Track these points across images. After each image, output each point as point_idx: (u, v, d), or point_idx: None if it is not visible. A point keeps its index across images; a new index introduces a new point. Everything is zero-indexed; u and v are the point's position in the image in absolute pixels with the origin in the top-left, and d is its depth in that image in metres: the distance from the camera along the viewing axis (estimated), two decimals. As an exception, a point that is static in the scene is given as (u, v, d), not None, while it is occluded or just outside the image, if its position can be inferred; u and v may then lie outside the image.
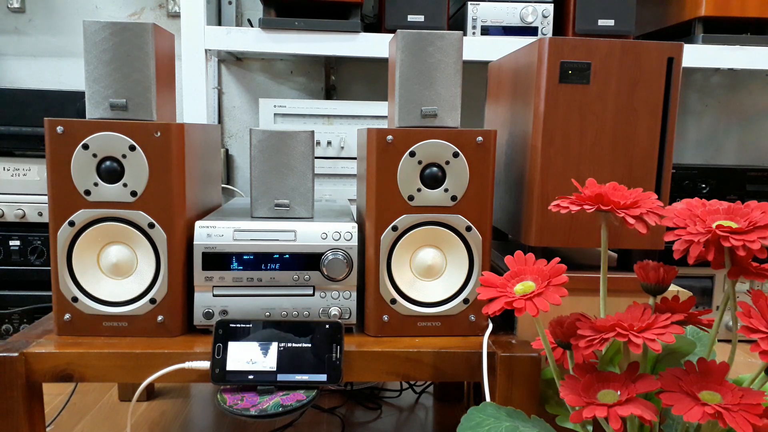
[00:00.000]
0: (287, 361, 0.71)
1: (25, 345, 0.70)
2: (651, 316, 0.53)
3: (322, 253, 0.76)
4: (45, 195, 1.14)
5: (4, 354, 0.68)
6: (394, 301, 0.76)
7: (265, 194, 0.82)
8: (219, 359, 0.70)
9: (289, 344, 0.71)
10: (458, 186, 0.75)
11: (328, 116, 1.30)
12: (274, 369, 0.70)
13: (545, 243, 0.77)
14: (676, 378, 0.49)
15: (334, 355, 0.70)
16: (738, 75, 1.65)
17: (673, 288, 0.75)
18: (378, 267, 0.75)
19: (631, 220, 0.54)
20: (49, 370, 0.70)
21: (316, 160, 0.96)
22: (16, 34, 1.54)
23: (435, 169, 0.74)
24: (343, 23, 1.25)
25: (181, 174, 0.74)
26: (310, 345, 0.71)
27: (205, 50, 1.26)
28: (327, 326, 0.72)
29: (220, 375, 0.69)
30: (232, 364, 0.70)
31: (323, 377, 0.70)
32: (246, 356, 0.70)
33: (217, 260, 0.75)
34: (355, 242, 0.76)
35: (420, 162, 0.74)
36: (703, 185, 1.24)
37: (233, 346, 0.71)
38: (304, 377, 0.70)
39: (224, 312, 0.76)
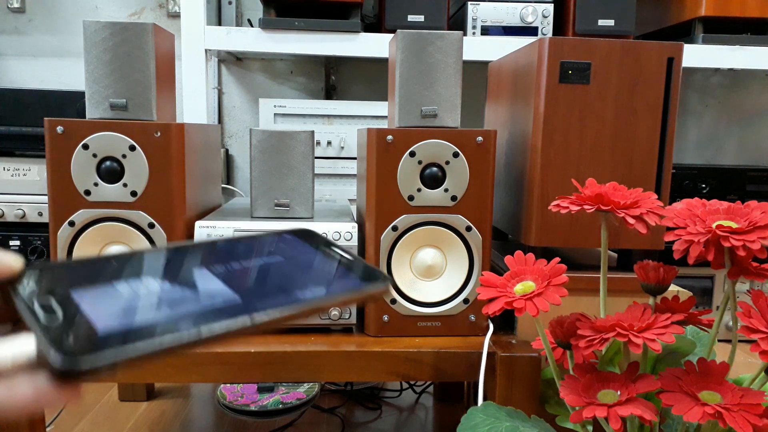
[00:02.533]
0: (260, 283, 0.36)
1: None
2: (651, 316, 0.53)
3: (322, 253, 0.76)
4: (45, 195, 1.14)
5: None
6: (394, 301, 0.76)
7: (265, 194, 0.82)
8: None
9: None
10: (458, 186, 0.75)
11: (328, 116, 1.30)
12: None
13: (545, 243, 0.77)
14: (676, 378, 0.49)
15: (339, 256, 0.33)
16: (738, 75, 1.65)
17: (673, 288, 0.75)
18: (378, 267, 0.75)
19: (631, 220, 0.54)
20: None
21: (316, 160, 0.96)
22: (16, 34, 1.54)
23: (435, 169, 0.74)
24: (343, 23, 1.25)
25: (181, 174, 0.74)
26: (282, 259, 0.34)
27: (205, 50, 1.26)
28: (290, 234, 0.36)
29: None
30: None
31: (353, 283, 0.32)
32: None
33: (217, 260, 0.75)
34: (355, 242, 0.76)
35: (420, 162, 0.74)
36: (703, 185, 1.24)
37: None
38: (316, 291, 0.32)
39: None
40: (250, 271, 0.31)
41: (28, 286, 0.28)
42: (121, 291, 0.28)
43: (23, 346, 0.25)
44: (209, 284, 0.29)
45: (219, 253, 0.33)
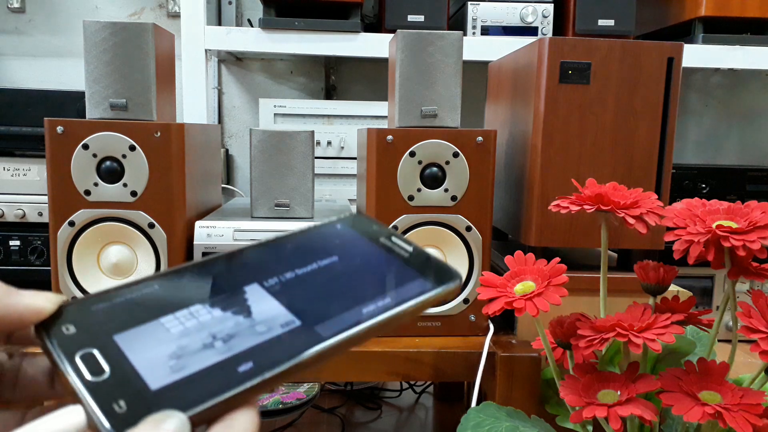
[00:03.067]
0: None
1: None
2: (651, 316, 0.53)
3: (322, 253, 0.76)
4: (45, 195, 1.14)
5: (4, 354, 0.68)
6: (394, 301, 0.76)
7: (265, 194, 0.82)
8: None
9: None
10: (458, 186, 0.75)
11: (328, 116, 1.30)
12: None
13: (545, 243, 0.77)
14: (676, 378, 0.49)
15: (401, 249, 0.29)
16: (738, 75, 1.65)
17: (673, 288, 0.75)
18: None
19: (631, 220, 0.54)
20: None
21: (316, 160, 0.96)
22: (16, 34, 1.54)
23: (435, 169, 0.74)
24: (343, 23, 1.25)
25: (181, 174, 0.74)
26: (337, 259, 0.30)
27: (205, 50, 1.26)
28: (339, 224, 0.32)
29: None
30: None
31: (422, 285, 0.27)
32: None
33: (217, 260, 0.75)
34: (355, 242, 0.76)
35: (420, 162, 0.74)
36: (703, 185, 1.24)
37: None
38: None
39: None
40: (307, 282, 0.27)
41: (64, 333, 0.24)
42: (168, 328, 0.24)
43: (70, 416, 0.21)
44: (265, 307, 0.25)
45: (269, 261, 0.28)
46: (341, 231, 0.30)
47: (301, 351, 0.24)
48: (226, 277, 0.27)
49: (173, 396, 0.21)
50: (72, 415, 0.21)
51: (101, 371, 0.22)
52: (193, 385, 0.22)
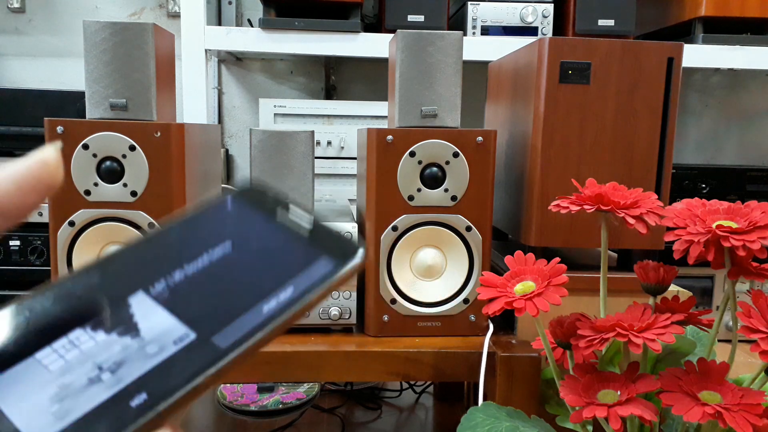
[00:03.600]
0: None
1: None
2: (651, 316, 0.53)
3: (322, 253, 0.76)
4: (45, 195, 1.14)
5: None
6: (394, 301, 0.76)
7: (265, 194, 0.82)
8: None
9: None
10: (458, 186, 0.75)
11: (328, 116, 1.30)
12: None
13: (545, 243, 0.77)
14: (676, 378, 0.49)
15: (299, 225, 0.25)
16: (738, 75, 1.65)
17: (673, 288, 0.75)
18: (378, 267, 0.75)
19: (631, 220, 0.54)
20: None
21: (316, 160, 0.96)
22: (16, 34, 1.54)
23: (435, 169, 0.74)
24: (343, 23, 1.25)
25: (181, 174, 0.74)
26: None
27: (205, 50, 1.26)
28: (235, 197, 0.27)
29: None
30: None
31: (329, 265, 0.23)
32: None
33: (217, 260, 0.75)
34: (355, 242, 0.76)
35: (420, 162, 0.74)
36: (703, 185, 1.24)
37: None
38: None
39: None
40: (197, 281, 0.23)
41: None
42: (46, 365, 0.20)
43: None
44: (154, 321, 0.22)
45: (153, 260, 0.24)
46: (233, 209, 0.26)
47: (199, 372, 0.20)
48: (106, 289, 0.23)
49: None
50: None
51: None
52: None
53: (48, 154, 0.22)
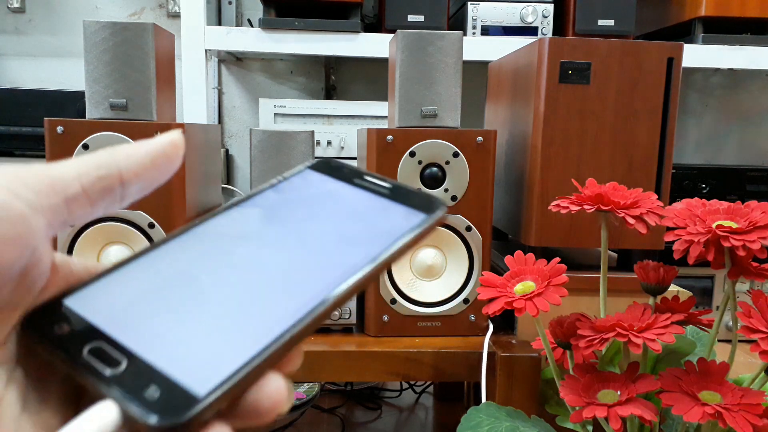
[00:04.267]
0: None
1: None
2: (651, 316, 0.53)
3: (322, 253, 0.76)
4: (45, 195, 1.14)
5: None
6: (394, 301, 0.76)
7: (265, 194, 0.82)
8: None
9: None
10: (458, 186, 0.75)
11: (328, 116, 1.30)
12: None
13: (545, 243, 0.77)
14: (676, 378, 0.49)
15: (380, 186, 0.28)
16: (738, 75, 1.65)
17: (673, 288, 0.75)
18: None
19: (631, 220, 0.54)
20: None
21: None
22: (16, 34, 1.54)
23: (435, 169, 0.74)
24: (343, 23, 1.25)
25: (181, 174, 0.74)
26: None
27: (205, 50, 1.26)
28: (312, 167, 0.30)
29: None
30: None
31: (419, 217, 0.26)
32: None
33: (217, 260, 0.75)
34: (355, 242, 0.76)
35: (420, 162, 0.74)
36: (703, 185, 1.24)
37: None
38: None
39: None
40: (304, 230, 0.25)
41: (63, 331, 0.21)
42: (176, 302, 0.22)
43: (103, 413, 0.19)
44: (268, 261, 0.24)
45: (252, 219, 0.26)
46: (316, 178, 0.28)
47: (357, 268, 0.23)
48: (218, 246, 0.25)
49: (206, 374, 0.20)
50: (106, 412, 0.19)
51: (117, 362, 0.20)
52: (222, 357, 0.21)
53: (176, 136, 0.25)
